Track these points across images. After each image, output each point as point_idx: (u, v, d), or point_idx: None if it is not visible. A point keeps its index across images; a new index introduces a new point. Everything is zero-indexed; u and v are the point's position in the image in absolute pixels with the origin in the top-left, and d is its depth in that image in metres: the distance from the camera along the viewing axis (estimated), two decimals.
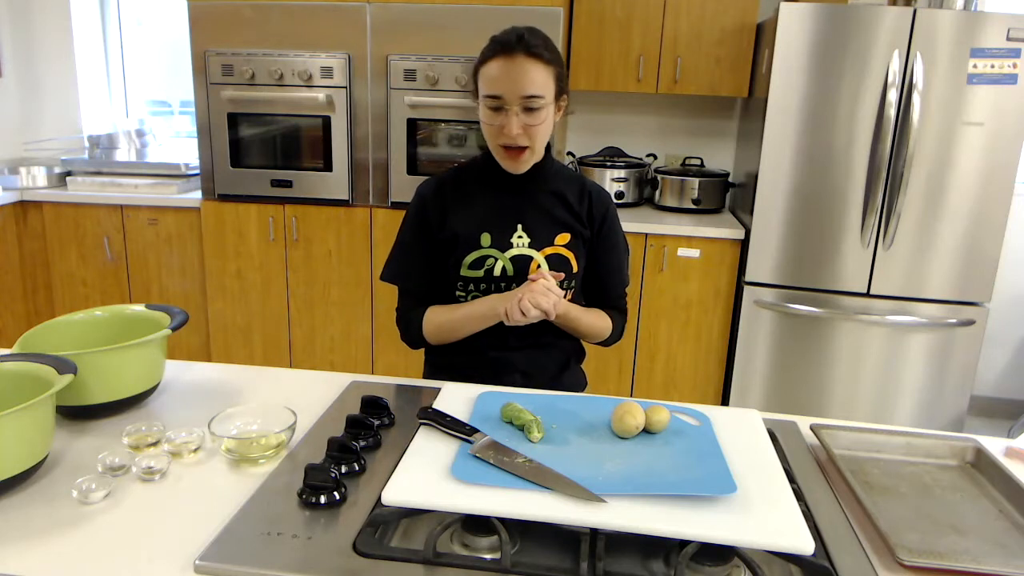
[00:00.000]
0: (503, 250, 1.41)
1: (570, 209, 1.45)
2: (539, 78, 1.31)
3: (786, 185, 2.75)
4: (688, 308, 2.98)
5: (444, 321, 1.44)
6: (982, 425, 3.33)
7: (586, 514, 0.89)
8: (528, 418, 1.10)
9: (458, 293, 1.44)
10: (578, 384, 1.57)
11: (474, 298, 1.43)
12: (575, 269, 1.44)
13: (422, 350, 1.56)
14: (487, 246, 1.41)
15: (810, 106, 2.67)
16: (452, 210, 1.44)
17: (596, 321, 1.49)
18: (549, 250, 1.42)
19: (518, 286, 1.38)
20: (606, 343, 1.54)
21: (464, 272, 1.42)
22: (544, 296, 1.29)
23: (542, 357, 1.48)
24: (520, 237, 1.41)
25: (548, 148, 1.44)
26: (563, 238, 1.44)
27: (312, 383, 1.39)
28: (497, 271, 1.41)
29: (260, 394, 1.34)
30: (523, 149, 1.36)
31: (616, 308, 1.54)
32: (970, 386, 2.81)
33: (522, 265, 1.41)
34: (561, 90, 1.37)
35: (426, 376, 1.57)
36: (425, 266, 1.47)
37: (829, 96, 2.64)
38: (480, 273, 1.41)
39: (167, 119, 3.97)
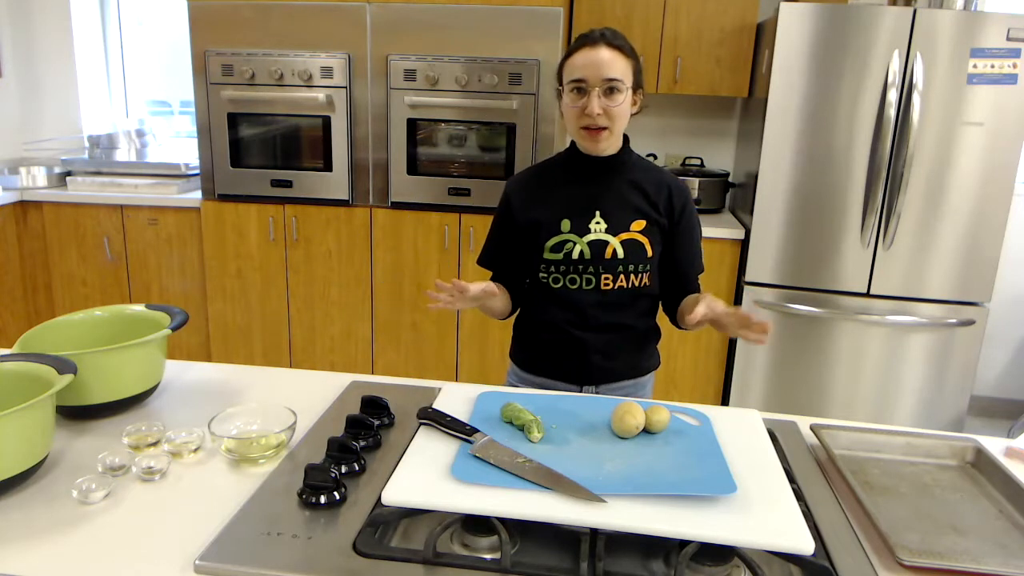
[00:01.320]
0: (581, 235, 1.50)
1: (647, 198, 1.53)
2: (618, 65, 1.43)
3: (786, 185, 2.75)
4: None
5: None
6: (982, 425, 3.33)
7: (586, 514, 0.89)
8: (528, 418, 1.11)
9: (541, 275, 1.54)
10: (653, 364, 1.65)
11: (555, 280, 1.53)
12: (650, 254, 1.53)
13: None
14: (567, 231, 1.50)
15: (810, 106, 2.67)
16: (535, 199, 1.55)
17: None
18: (624, 235, 1.50)
19: (595, 269, 1.50)
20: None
21: (546, 256, 1.52)
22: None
23: (619, 339, 1.55)
24: (598, 223, 1.50)
25: (627, 140, 1.54)
26: (639, 224, 1.51)
27: (312, 383, 1.39)
28: (575, 255, 1.50)
29: (260, 394, 1.34)
30: (602, 129, 1.45)
31: (697, 291, 1.62)
32: (970, 386, 2.81)
33: (599, 249, 1.50)
34: (638, 84, 1.48)
35: (512, 355, 1.67)
36: (506, 255, 1.60)
37: (829, 96, 2.64)
38: (560, 256, 1.50)
39: (167, 119, 3.96)
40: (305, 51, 2.92)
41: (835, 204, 2.72)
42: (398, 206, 3.02)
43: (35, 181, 3.29)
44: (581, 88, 1.43)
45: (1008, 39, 2.50)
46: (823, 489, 1.08)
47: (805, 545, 0.85)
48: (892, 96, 2.58)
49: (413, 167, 2.98)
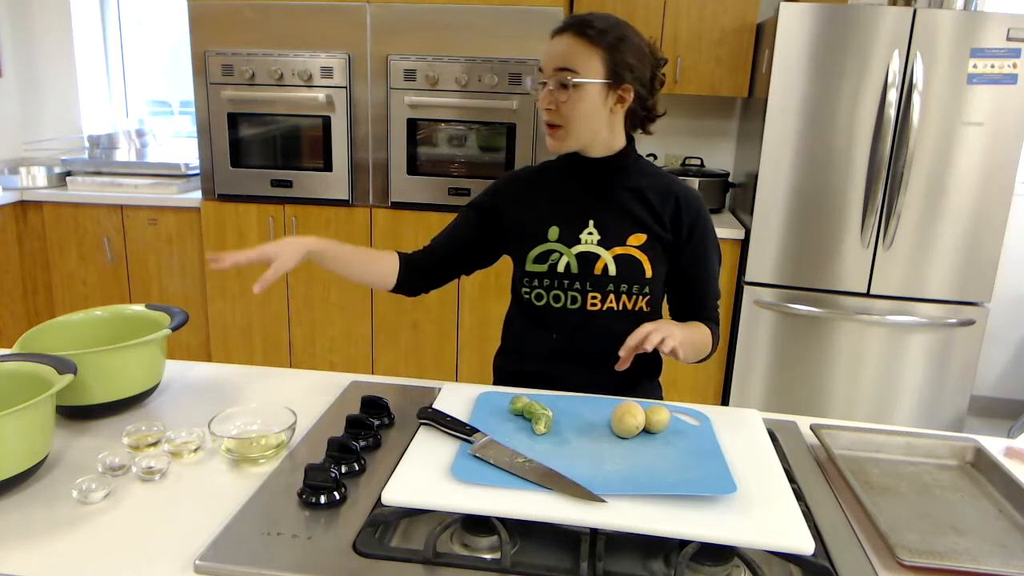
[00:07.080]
0: (570, 245, 1.35)
1: (650, 209, 1.36)
2: (576, 53, 1.27)
3: (786, 185, 2.75)
4: None
5: None
6: (982, 425, 3.33)
7: (586, 514, 0.89)
8: (539, 411, 1.11)
9: (523, 291, 1.40)
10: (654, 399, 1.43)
11: (538, 296, 1.37)
12: (649, 274, 1.35)
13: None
14: (554, 240, 1.36)
15: (810, 106, 2.67)
16: (524, 201, 1.42)
17: (699, 337, 1.36)
18: (619, 250, 1.34)
19: (581, 285, 1.35)
20: (705, 358, 1.42)
21: (529, 267, 1.38)
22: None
23: (606, 373, 1.32)
24: (590, 234, 1.35)
25: (631, 140, 1.38)
26: (638, 238, 1.35)
27: (312, 383, 1.39)
28: (561, 267, 1.35)
29: (260, 394, 1.34)
30: (556, 127, 1.31)
31: (710, 319, 1.42)
32: (970, 386, 2.81)
33: (587, 263, 1.34)
34: (619, 77, 1.29)
35: (495, 379, 1.52)
36: (457, 241, 1.47)
37: (829, 96, 2.64)
38: (544, 268, 1.36)
39: (167, 119, 3.96)
40: (305, 51, 2.92)
41: (835, 204, 2.72)
42: (398, 206, 3.02)
43: (35, 181, 3.29)
44: (542, 80, 1.30)
45: (1008, 39, 2.50)
46: (823, 489, 1.08)
47: (805, 545, 0.85)
48: (892, 96, 2.58)
49: (413, 167, 2.98)
